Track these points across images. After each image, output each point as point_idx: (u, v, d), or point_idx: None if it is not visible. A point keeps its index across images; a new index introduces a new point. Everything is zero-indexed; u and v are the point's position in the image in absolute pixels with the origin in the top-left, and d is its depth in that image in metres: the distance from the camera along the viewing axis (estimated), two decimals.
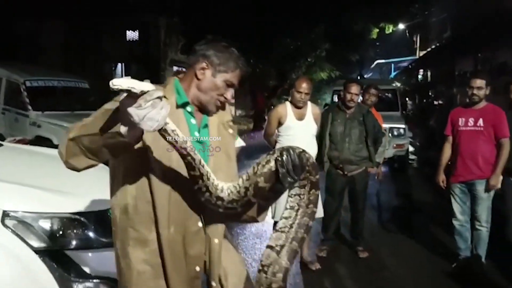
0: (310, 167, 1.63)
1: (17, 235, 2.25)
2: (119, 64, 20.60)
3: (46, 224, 2.34)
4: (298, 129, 4.20)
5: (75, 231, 2.41)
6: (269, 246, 1.65)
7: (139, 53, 19.18)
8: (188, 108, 1.73)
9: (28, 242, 2.26)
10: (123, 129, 1.38)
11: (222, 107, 1.78)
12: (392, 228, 5.90)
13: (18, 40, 18.58)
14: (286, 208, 1.68)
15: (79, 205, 2.49)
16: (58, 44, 18.57)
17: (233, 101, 1.89)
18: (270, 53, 17.38)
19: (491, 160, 4.11)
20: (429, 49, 21.15)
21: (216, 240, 1.73)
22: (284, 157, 1.57)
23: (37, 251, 2.27)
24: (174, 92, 1.73)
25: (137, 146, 1.55)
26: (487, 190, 4.14)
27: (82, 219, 2.44)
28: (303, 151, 1.62)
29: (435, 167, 4.60)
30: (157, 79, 19.15)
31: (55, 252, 2.32)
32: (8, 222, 2.27)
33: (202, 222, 1.72)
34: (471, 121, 4.16)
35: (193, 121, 1.74)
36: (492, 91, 4.29)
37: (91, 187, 2.86)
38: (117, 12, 17.74)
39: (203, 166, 1.55)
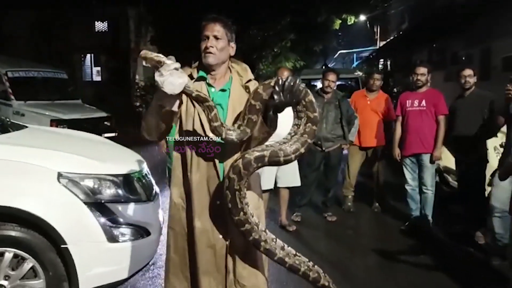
0: (307, 103, 2.07)
1: (69, 190, 2.88)
2: (88, 55, 20.73)
3: (89, 182, 2.96)
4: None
5: (110, 188, 3.05)
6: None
7: (108, 44, 19.36)
8: (207, 80, 2.35)
9: (78, 196, 2.90)
10: (157, 95, 2.04)
11: (209, 54, 2.28)
12: (355, 197, 6.72)
13: None
14: (287, 134, 2.12)
15: (111, 169, 3.12)
16: (24, 34, 18.43)
17: (214, 50, 2.29)
18: (239, 44, 17.88)
19: (433, 134, 4.98)
20: (388, 40, 22.23)
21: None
22: (287, 80, 2.02)
23: (84, 203, 2.91)
24: (197, 71, 2.38)
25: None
26: (432, 161, 5.00)
27: (114, 179, 3.07)
28: (305, 88, 2.07)
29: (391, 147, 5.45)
30: (128, 70, 19.46)
31: (97, 204, 2.95)
32: (62, 180, 2.88)
33: (216, 166, 2.28)
34: (416, 102, 5.04)
35: (212, 89, 2.35)
36: (445, 78, 5.14)
37: (115, 157, 3.52)
38: (85, 2, 17.88)
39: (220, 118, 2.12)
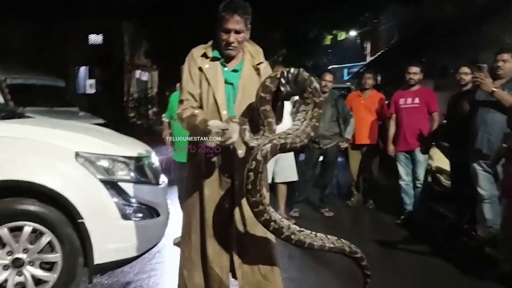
0: (313, 90, 2.26)
1: (86, 168, 3.02)
2: (82, 67, 20.84)
3: (104, 162, 3.10)
4: None
5: (123, 169, 3.19)
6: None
7: (102, 57, 19.47)
8: (221, 60, 2.52)
9: (94, 174, 3.03)
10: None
11: (231, 48, 2.43)
12: (349, 196, 6.88)
13: None
14: (296, 120, 2.32)
15: (124, 151, 3.26)
16: (18, 45, 18.47)
17: (236, 44, 2.43)
18: None
19: (425, 131, 5.21)
20: (377, 54, 22.64)
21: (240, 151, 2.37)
22: (290, 71, 2.21)
23: (100, 181, 3.04)
24: (211, 50, 2.53)
25: None
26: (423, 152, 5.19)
27: (127, 161, 3.21)
28: (309, 75, 2.24)
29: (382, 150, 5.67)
30: (121, 82, 19.58)
31: (112, 183, 3.08)
32: (79, 159, 3.02)
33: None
34: (409, 100, 5.29)
35: (225, 68, 2.52)
36: (435, 88, 5.36)
37: (126, 143, 3.68)
38: (79, 15, 18.04)
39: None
